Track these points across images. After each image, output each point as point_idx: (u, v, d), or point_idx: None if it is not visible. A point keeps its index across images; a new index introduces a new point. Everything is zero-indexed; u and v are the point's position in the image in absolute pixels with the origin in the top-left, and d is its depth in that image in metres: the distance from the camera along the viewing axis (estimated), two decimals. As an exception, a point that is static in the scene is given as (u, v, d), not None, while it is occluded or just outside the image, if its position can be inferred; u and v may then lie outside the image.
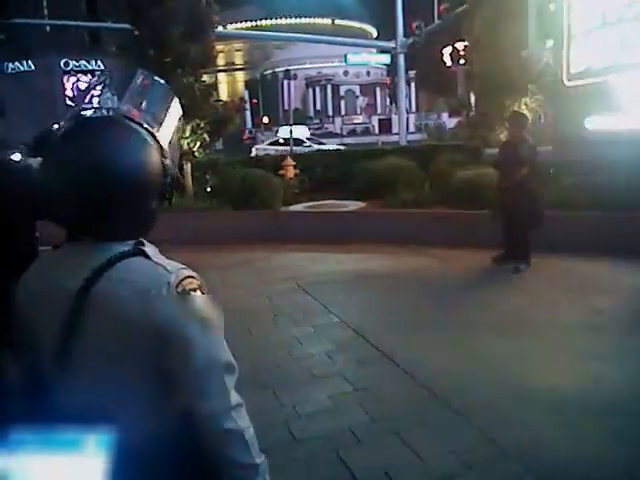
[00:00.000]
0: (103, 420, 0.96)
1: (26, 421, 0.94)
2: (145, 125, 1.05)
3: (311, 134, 30.88)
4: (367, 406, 3.21)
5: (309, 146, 23.52)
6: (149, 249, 1.04)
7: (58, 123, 1.13)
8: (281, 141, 24.41)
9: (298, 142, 23.33)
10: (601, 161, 6.42)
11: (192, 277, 1.03)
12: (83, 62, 41.14)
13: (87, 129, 1.02)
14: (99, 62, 41.25)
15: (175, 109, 1.24)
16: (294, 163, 11.11)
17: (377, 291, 5.68)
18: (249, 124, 53.21)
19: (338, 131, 45.80)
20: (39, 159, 1.04)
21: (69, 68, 41.56)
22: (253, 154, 20.52)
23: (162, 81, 1.24)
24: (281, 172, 10.67)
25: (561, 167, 7.36)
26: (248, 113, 54.16)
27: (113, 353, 0.98)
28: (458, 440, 2.81)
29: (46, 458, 0.89)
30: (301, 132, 26.70)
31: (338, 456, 2.70)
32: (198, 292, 1.03)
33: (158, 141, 1.06)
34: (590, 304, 4.73)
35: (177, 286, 0.99)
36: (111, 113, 1.07)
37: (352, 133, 45.64)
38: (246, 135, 44.40)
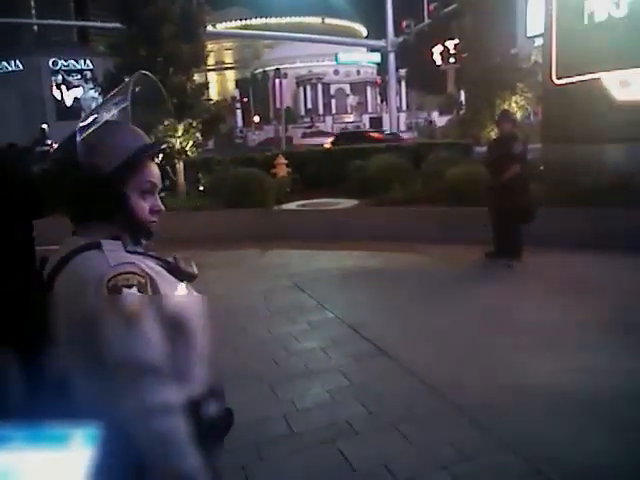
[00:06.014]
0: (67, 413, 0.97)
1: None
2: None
3: (303, 133, 30.75)
4: (364, 399, 3.26)
5: None
6: (108, 242, 1.07)
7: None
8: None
9: None
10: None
11: (133, 273, 1.02)
12: (72, 61, 40.65)
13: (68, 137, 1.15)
14: (88, 61, 40.82)
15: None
16: (286, 162, 11.11)
17: (371, 288, 5.73)
18: (240, 123, 53.08)
19: (329, 130, 45.76)
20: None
21: (58, 67, 41.04)
22: None
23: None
24: (273, 171, 10.68)
25: (550, 164, 7.46)
26: (239, 112, 54.06)
27: (66, 341, 1.04)
28: (454, 431, 2.87)
29: (32, 454, 0.88)
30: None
31: (337, 448, 2.75)
32: (133, 289, 1.00)
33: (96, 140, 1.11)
34: (579, 299, 4.81)
35: (109, 281, 0.99)
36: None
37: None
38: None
